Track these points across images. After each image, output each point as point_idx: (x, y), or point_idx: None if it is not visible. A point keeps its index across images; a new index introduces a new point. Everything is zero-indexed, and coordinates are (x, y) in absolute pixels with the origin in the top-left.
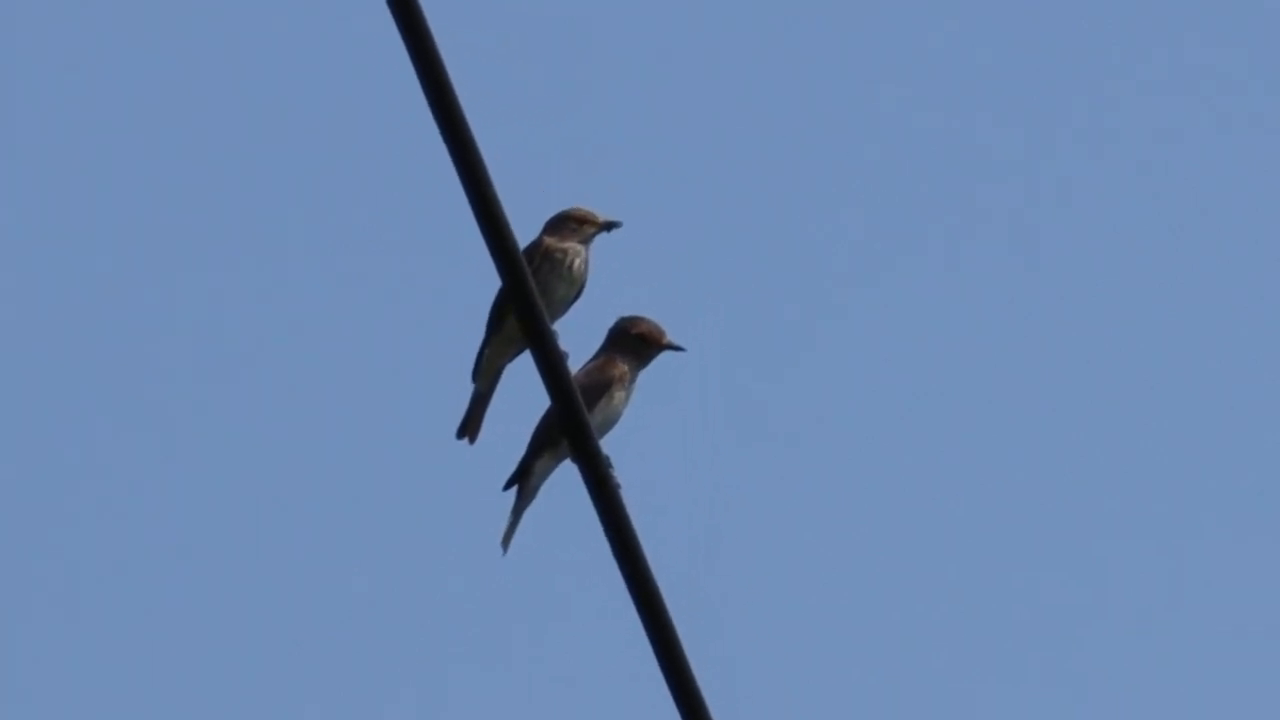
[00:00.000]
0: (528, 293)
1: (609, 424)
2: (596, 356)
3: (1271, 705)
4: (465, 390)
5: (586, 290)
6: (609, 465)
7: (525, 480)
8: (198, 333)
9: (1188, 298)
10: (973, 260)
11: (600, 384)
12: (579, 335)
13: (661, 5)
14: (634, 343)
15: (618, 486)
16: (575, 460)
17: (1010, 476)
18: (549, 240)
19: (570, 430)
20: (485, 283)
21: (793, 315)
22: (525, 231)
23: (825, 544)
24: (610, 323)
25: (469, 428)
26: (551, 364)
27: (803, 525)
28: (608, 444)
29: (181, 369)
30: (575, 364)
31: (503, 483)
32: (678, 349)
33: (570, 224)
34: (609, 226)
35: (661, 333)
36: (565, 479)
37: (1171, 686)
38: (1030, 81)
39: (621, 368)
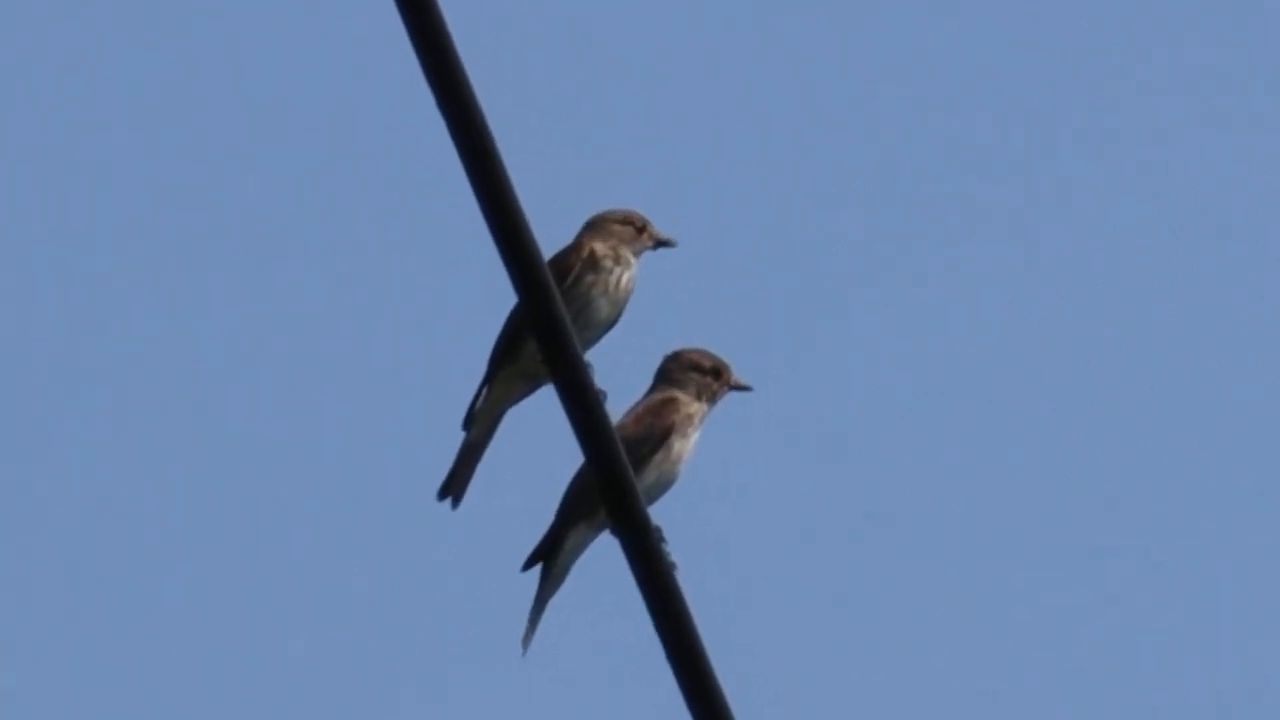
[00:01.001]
0: (556, 310)
1: (665, 484)
2: (649, 395)
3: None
4: (453, 441)
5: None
6: (661, 539)
7: (553, 558)
8: (188, 335)
9: (1188, 298)
10: (973, 260)
11: (657, 431)
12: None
13: (660, 5)
14: (703, 379)
15: (673, 567)
16: (616, 533)
17: (1010, 476)
18: (595, 245)
19: (611, 494)
20: (498, 301)
21: (793, 315)
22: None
23: (824, 545)
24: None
25: (453, 486)
26: (587, 405)
27: (802, 525)
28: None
29: (172, 370)
30: (615, 408)
31: (521, 562)
32: (745, 389)
33: (628, 229)
34: (662, 244)
35: (730, 368)
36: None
37: (1172, 687)
38: (1030, 81)
39: (687, 410)
